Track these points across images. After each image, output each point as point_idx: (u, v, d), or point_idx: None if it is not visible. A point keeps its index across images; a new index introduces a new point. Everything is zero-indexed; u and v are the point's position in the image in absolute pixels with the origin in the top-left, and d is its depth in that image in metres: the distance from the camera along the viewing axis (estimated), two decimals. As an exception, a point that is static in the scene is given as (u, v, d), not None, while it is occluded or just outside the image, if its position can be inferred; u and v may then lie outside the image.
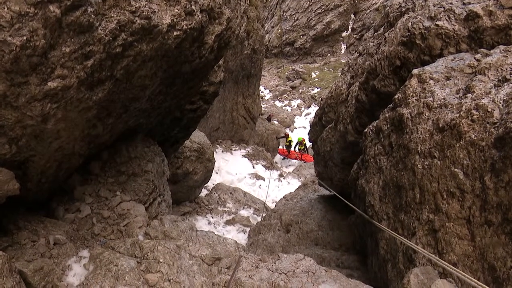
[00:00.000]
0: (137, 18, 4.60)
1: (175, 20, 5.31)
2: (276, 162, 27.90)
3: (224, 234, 12.74)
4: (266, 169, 23.80)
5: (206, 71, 8.26)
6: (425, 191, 4.88)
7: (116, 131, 6.75)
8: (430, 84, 5.53)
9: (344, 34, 51.74)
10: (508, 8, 5.76)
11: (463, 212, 4.31)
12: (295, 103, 44.49)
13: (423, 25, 6.60)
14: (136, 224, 6.32)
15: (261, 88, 40.00)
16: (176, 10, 5.32)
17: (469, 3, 6.35)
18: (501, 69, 4.86)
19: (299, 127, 37.35)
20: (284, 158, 29.30)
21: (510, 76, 4.61)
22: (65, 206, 6.31)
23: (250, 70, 25.91)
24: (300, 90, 46.68)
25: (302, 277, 5.05)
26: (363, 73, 8.89)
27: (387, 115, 6.40)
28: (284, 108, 43.47)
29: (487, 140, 4.21)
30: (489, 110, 4.37)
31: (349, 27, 51.30)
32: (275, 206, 15.73)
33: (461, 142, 4.48)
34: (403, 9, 8.19)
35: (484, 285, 3.27)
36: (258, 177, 21.96)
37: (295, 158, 28.79)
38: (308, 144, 22.03)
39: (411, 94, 5.72)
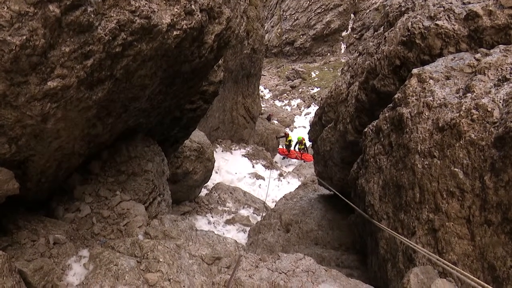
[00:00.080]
0: (136, 18, 4.59)
1: (175, 19, 5.30)
2: (276, 162, 27.89)
3: (224, 234, 12.74)
4: (266, 168, 23.80)
5: (206, 70, 8.26)
6: (425, 190, 4.88)
7: (116, 131, 6.75)
8: (430, 83, 5.53)
9: (344, 33, 51.75)
10: (507, 7, 5.76)
11: (463, 212, 4.31)
12: (295, 102, 44.49)
13: (423, 25, 6.60)
14: (136, 223, 6.32)
15: (261, 87, 40.02)
16: (176, 10, 5.31)
17: (469, 3, 6.35)
18: (501, 68, 4.86)
19: (299, 126, 37.34)
20: (284, 158, 29.29)
21: (510, 76, 4.61)
22: (65, 206, 6.31)
23: (250, 70, 25.90)
24: (300, 90, 46.68)
25: (302, 277, 5.05)
26: (363, 72, 8.89)
27: (387, 114, 6.40)
28: (284, 107, 43.47)
29: (487, 139, 4.21)
30: (489, 109, 4.37)
31: (349, 26, 51.31)
32: (275, 205, 15.73)
33: (461, 142, 4.48)
34: (403, 9, 8.19)
35: (484, 284, 3.27)
36: (258, 176, 21.96)
37: (295, 158, 28.78)
38: (308, 143, 22.01)
39: (411, 93, 5.72)
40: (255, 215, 15.98)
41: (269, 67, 55.33)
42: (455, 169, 4.47)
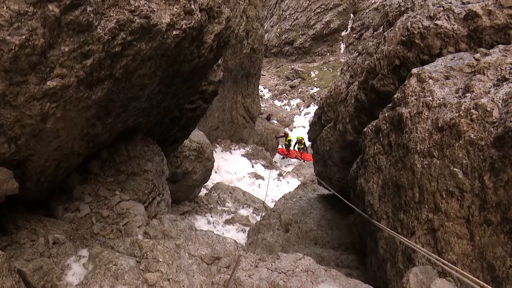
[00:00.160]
0: (136, 17, 4.59)
1: (174, 19, 5.30)
2: (275, 162, 27.89)
3: (223, 234, 12.73)
4: (265, 168, 23.79)
5: (206, 70, 8.26)
6: (424, 190, 4.88)
7: (116, 130, 6.75)
8: (429, 83, 5.53)
9: (343, 33, 51.74)
10: (507, 7, 5.76)
11: (462, 212, 4.31)
12: (294, 102, 44.48)
13: (422, 25, 6.61)
14: (136, 223, 6.31)
15: (260, 87, 40.00)
16: (176, 9, 5.31)
17: (468, 3, 6.35)
18: (500, 68, 4.86)
19: (298, 126, 37.33)
20: (283, 157, 29.29)
21: (509, 76, 4.61)
22: (64, 206, 6.31)
23: (250, 70, 25.90)
24: (300, 90, 46.67)
25: (302, 276, 5.05)
26: (363, 72, 8.89)
27: (386, 114, 6.40)
28: (283, 107, 43.45)
29: (486, 139, 4.21)
30: (488, 109, 4.37)
31: (348, 26, 51.30)
32: (275, 205, 15.73)
33: (460, 142, 4.48)
34: (403, 9, 8.19)
35: (483, 284, 3.27)
36: (257, 176, 21.96)
37: (295, 157, 28.79)
38: (308, 143, 22.03)
39: (410, 93, 5.73)
40: (254, 215, 15.97)
41: (268, 66, 55.33)
42: (455, 169, 4.47)
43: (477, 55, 5.46)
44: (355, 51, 13.29)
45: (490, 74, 4.88)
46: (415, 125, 5.32)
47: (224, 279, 5.18)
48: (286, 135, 29.51)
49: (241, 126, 26.74)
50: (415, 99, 5.59)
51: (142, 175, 7.62)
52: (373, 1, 49.24)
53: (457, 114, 4.65)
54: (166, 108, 8.27)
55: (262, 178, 21.78)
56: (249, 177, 21.72)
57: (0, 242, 4.71)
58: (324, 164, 12.79)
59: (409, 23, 6.90)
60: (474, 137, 4.34)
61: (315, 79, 47.73)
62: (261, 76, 35.86)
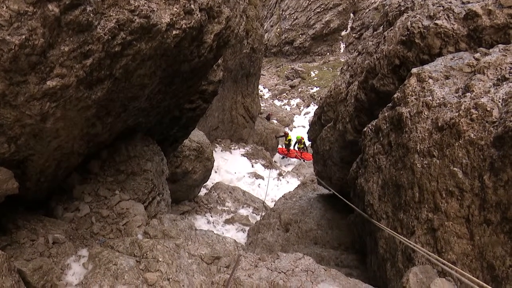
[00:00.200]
0: (136, 17, 4.59)
1: (174, 19, 5.30)
2: (275, 161, 27.90)
3: (223, 233, 12.73)
4: (265, 168, 23.79)
5: (205, 70, 8.26)
6: (424, 190, 4.88)
7: (115, 130, 6.75)
8: (429, 83, 5.53)
9: (343, 33, 51.71)
10: (507, 7, 5.76)
11: (462, 211, 4.31)
12: (294, 102, 44.49)
13: (422, 24, 6.60)
14: (135, 223, 6.32)
15: (260, 87, 40.02)
16: (175, 9, 5.31)
17: (468, 2, 6.35)
18: (500, 68, 4.86)
19: (298, 126, 37.33)
20: (283, 157, 29.30)
21: (509, 75, 4.61)
22: (64, 205, 6.31)
23: (249, 69, 25.90)
24: (299, 89, 46.68)
25: (301, 276, 5.05)
26: (362, 72, 8.88)
27: (386, 114, 6.40)
28: (283, 107, 43.46)
29: (486, 139, 4.21)
30: (488, 109, 4.37)
31: (348, 26, 51.28)
32: (274, 205, 15.73)
33: (460, 141, 4.48)
34: (402, 8, 8.19)
35: (482, 283, 3.27)
36: (257, 176, 21.96)
37: (295, 157, 28.81)
38: (308, 142, 22.04)
39: (410, 93, 5.72)
40: (254, 214, 15.97)
41: (268, 66, 55.32)
42: (455, 168, 4.47)
43: (477, 55, 5.46)
44: (355, 50, 13.29)
45: (490, 73, 4.88)
46: (415, 124, 5.32)
47: (224, 278, 5.18)
48: (286, 134, 29.53)
49: (241, 126, 26.74)
50: (415, 98, 5.59)
51: (142, 175, 7.62)
52: (373, 1, 49.23)
53: (457, 114, 4.65)
54: (166, 108, 8.27)
55: (262, 178, 21.78)
56: (249, 176, 21.73)
57: (0, 241, 4.71)
58: (324, 164, 12.78)
59: (409, 22, 6.90)
60: (474, 137, 4.34)
61: (315, 78, 47.72)
62: (261, 76, 35.87)
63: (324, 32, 51.92)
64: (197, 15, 5.86)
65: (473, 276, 3.81)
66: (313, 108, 37.82)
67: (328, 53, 52.59)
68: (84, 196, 6.55)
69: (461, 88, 5.06)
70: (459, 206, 4.35)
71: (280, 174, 23.59)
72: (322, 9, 52.12)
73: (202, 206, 15.90)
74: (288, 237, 11.75)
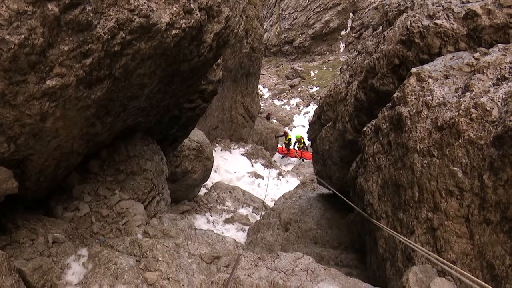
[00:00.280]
0: (135, 17, 4.59)
1: (174, 18, 5.30)
2: (275, 161, 27.90)
3: (223, 233, 12.74)
4: (265, 167, 23.78)
5: (205, 69, 8.26)
6: (423, 189, 4.88)
7: (115, 130, 6.75)
8: (429, 82, 5.53)
9: (343, 32, 51.72)
10: (506, 6, 5.76)
11: (462, 211, 4.31)
12: (294, 101, 44.50)
13: (422, 24, 6.60)
14: (135, 222, 6.31)
15: (260, 86, 39.99)
16: (175, 9, 5.31)
17: (468, 2, 6.35)
18: (500, 67, 4.86)
19: (298, 125, 37.36)
20: (283, 157, 29.32)
21: (509, 75, 4.61)
22: (63, 205, 6.31)
23: (249, 69, 25.89)
24: (299, 89, 46.69)
25: (301, 276, 5.05)
26: (362, 71, 8.88)
27: (386, 113, 6.40)
28: (283, 106, 43.47)
29: (486, 138, 4.21)
30: (488, 108, 4.37)
31: (348, 25, 51.27)
32: (274, 204, 15.73)
33: (460, 141, 4.48)
34: (402, 8, 8.18)
35: (482, 283, 3.27)
36: (257, 175, 21.96)
37: (295, 156, 28.84)
38: (307, 142, 22.05)
39: (410, 92, 5.72)
40: (254, 214, 15.97)
41: (268, 66, 55.32)
42: (454, 168, 4.48)
43: (477, 55, 5.46)
44: (354, 50, 13.30)
45: (490, 73, 4.88)
46: (414, 124, 5.32)
47: (224, 278, 5.18)
48: (286, 134, 29.55)
49: (240, 126, 26.74)
50: (414, 98, 5.59)
51: (141, 175, 7.62)
52: (372, 0, 49.23)
53: (456, 113, 4.65)
54: (166, 107, 8.27)
55: (262, 177, 21.78)
56: (249, 176, 21.73)
57: (-1, 241, 4.72)
58: (323, 163, 12.79)
59: (409, 22, 6.90)
60: (474, 136, 4.34)
61: (315, 78, 47.74)
62: (261, 76, 35.84)
63: (323, 31, 51.93)
64: (197, 14, 5.86)
65: (472, 275, 3.82)
66: (312, 107, 37.84)
67: (327, 53, 52.60)
68: (83, 195, 6.55)
69: (460, 87, 5.06)
70: (459, 205, 4.35)
71: (279, 174, 23.59)
72: (321, 9, 52.13)
73: (202, 206, 15.89)
74: (287, 237, 11.76)
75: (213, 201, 16.51)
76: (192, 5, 5.64)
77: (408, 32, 6.81)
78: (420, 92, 5.53)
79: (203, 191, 17.47)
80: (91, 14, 4.01)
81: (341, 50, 51.51)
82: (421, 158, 5.03)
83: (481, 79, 4.84)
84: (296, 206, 13.76)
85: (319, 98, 30.52)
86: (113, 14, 4.34)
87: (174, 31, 5.43)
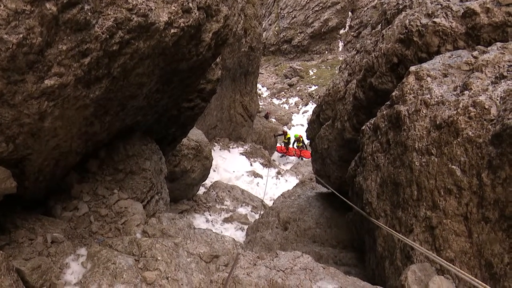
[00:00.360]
0: (134, 16, 4.58)
1: (172, 17, 5.29)
2: (273, 160, 27.91)
3: (222, 232, 12.75)
4: (263, 166, 23.80)
5: (204, 68, 8.25)
6: (422, 188, 4.89)
7: (113, 129, 6.74)
8: (427, 81, 5.53)
9: (341, 31, 51.74)
10: (505, 5, 5.77)
11: (460, 209, 4.32)
12: (292, 100, 44.53)
13: (420, 22, 6.61)
14: (134, 222, 6.31)
15: (259, 85, 39.98)
16: (173, 8, 5.30)
17: (466, 0, 6.35)
18: (498, 66, 4.86)
19: (296, 124, 37.40)
20: (282, 155, 29.35)
21: (507, 73, 4.62)
22: (62, 204, 6.30)
23: (248, 68, 25.90)
24: (298, 88, 46.72)
25: (300, 274, 5.05)
26: (361, 70, 8.89)
27: (384, 112, 6.40)
28: (281, 105, 43.50)
29: (484, 137, 4.22)
30: (486, 107, 4.38)
31: (347, 24, 51.30)
32: (273, 203, 15.73)
33: (459, 139, 4.49)
34: (401, 6, 8.19)
35: (480, 282, 3.28)
36: (255, 174, 21.97)
37: (294, 155, 28.87)
38: (306, 141, 22.06)
39: (408, 91, 5.73)
40: (253, 213, 15.99)
41: (266, 65, 55.31)
42: (453, 166, 4.48)
43: (475, 53, 5.46)
44: (353, 49, 13.30)
45: (488, 71, 4.89)
46: (413, 123, 5.33)
47: (223, 277, 5.18)
48: (284, 133, 29.56)
49: (239, 125, 26.75)
50: (413, 97, 5.60)
51: (140, 174, 7.62)
52: (371, -1, 49.27)
53: (455, 112, 4.65)
54: (164, 106, 8.26)
55: (261, 177, 21.80)
56: (248, 175, 21.74)
57: (-2, 241, 4.71)
58: (322, 162, 12.79)
59: (407, 21, 6.90)
60: (472, 135, 4.35)
61: (313, 77, 47.75)
62: (259, 75, 35.87)
63: (322, 30, 51.95)
64: (195, 13, 5.85)
65: (471, 273, 3.83)
66: (311, 106, 37.83)
67: (326, 52, 52.62)
68: (82, 195, 6.54)
69: (459, 86, 5.07)
70: (458, 204, 4.36)
71: (278, 173, 23.62)
72: (320, 8, 52.15)
73: (201, 205, 15.90)
74: (286, 236, 11.76)
75: (212, 200, 16.52)
76: (190, 4, 5.64)
77: (406, 31, 6.82)
78: (419, 91, 5.53)
79: (202, 190, 17.47)
80: (89, 13, 4.00)
81: (340, 49, 51.54)
82: (420, 156, 5.03)
83: (479, 77, 4.84)
84: (295, 205, 13.76)
85: (318, 97, 30.54)
86: (112, 13, 4.33)
87: (172, 30, 5.42)
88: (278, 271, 5.17)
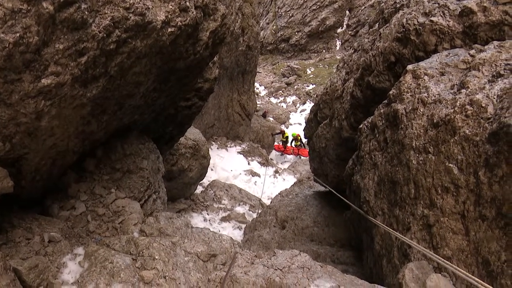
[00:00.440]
0: (131, 15, 4.58)
1: (169, 16, 5.28)
2: (271, 159, 27.92)
3: (219, 231, 12.75)
4: (261, 165, 23.79)
5: (201, 67, 8.24)
6: (419, 186, 4.90)
7: (111, 128, 6.73)
8: (424, 79, 5.54)
9: (339, 30, 51.71)
10: (502, 4, 5.78)
11: (458, 207, 4.33)
12: (290, 99, 44.50)
13: (417, 21, 6.61)
14: (131, 221, 6.30)
15: (256, 84, 39.95)
16: (171, 7, 5.29)
17: (463, -1, 6.36)
18: (495, 64, 4.87)
19: (294, 123, 37.40)
20: (281, 154, 29.38)
21: (504, 72, 4.63)
22: (59, 204, 6.29)
23: (245, 67, 25.87)
24: (295, 87, 46.70)
25: (298, 273, 5.06)
26: (358, 69, 8.89)
27: (382, 111, 6.41)
28: (279, 104, 43.46)
29: (481, 135, 4.23)
30: (483, 105, 4.39)
31: (344, 23, 51.27)
32: (271, 202, 15.73)
33: (456, 138, 4.49)
34: (398, 5, 8.19)
35: (477, 279, 3.29)
36: (253, 173, 21.97)
37: (291, 154, 28.90)
38: (304, 140, 22.07)
39: (405, 90, 5.73)
40: (250, 212, 15.99)
41: (264, 64, 55.24)
42: (450, 164, 4.49)
43: (472, 52, 5.47)
44: (350, 48, 13.31)
45: (485, 70, 4.90)
46: (410, 121, 5.33)
47: (220, 276, 5.18)
48: (282, 132, 29.57)
49: (237, 124, 26.73)
50: (410, 95, 5.60)
51: (137, 173, 7.61)
52: (368, -2, 49.25)
53: (452, 110, 4.66)
54: (162, 105, 8.25)
55: (258, 175, 21.79)
56: (245, 174, 21.73)
57: (-5, 240, 4.70)
58: (320, 161, 12.80)
59: (405, 19, 6.91)
60: (469, 133, 4.36)
61: (311, 76, 47.74)
62: (257, 74, 35.81)
63: (320, 29, 51.90)
64: (193, 12, 5.84)
65: (468, 271, 3.84)
66: (309, 105, 37.86)
67: (324, 51, 52.59)
68: (79, 194, 6.53)
69: (456, 84, 5.07)
70: (455, 202, 4.37)
71: (276, 172, 23.61)
72: (318, 7, 52.10)
73: (198, 204, 15.89)
74: (284, 234, 11.77)
75: (209, 199, 16.51)
76: (188, 3, 5.63)
77: (404, 30, 6.82)
78: (416, 89, 5.54)
79: (199, 189, 17.46)
80: (86, 12, 3.99)
81: (338, 48, 51.52)
82: (417, 155, 5.04)
83: (476, 76, 4.85)
84: (293, 203, 13.77)
85: (315, 95, 30.54)
86: (109, 12, 4.32)
87: (169, 29, 5.41)
88: (276, 269, 5.17)
